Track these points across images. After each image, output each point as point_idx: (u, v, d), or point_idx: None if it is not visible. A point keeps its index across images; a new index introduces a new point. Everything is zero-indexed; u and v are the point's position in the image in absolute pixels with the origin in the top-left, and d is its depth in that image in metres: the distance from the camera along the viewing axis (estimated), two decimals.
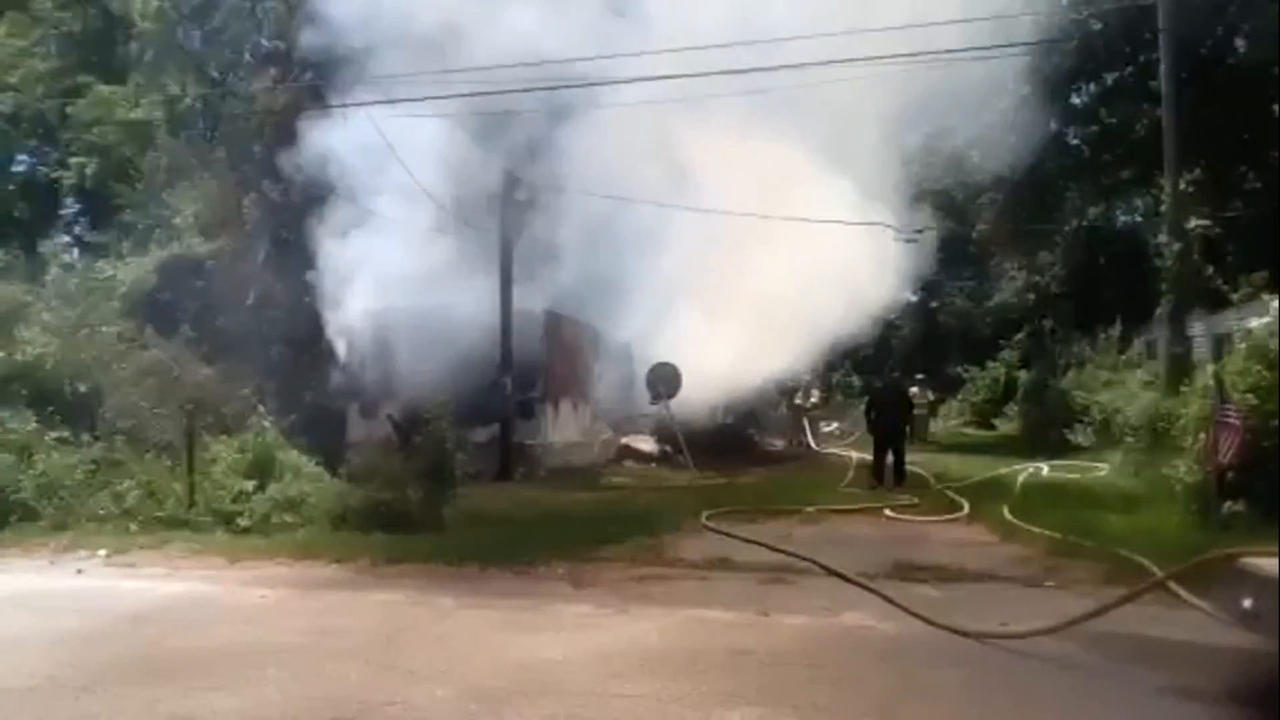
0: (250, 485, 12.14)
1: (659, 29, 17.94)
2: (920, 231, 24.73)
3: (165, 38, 26.79)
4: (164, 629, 7.54)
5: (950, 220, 30.92)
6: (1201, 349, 18.70)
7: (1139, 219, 30.58)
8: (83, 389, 14.28)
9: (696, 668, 6.23)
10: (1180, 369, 16.04)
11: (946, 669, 6.21)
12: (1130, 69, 24.77)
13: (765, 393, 26.45)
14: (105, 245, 21.15)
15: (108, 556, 10.48)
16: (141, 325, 16.02)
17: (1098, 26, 22.71)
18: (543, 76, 16.50)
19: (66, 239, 27.95)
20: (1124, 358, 23.59)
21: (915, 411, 20.09)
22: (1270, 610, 4.96)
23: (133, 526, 11.62)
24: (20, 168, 30.34)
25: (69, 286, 17.59)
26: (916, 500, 14.35)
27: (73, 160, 26.46)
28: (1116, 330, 24.69)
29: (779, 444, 26.73)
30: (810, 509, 13.40)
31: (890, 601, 7.76)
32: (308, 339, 17.91)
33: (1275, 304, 16.06)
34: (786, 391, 28.78)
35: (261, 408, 13.88)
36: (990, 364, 38.23)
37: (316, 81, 18.69)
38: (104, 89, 26.08)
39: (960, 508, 13.25)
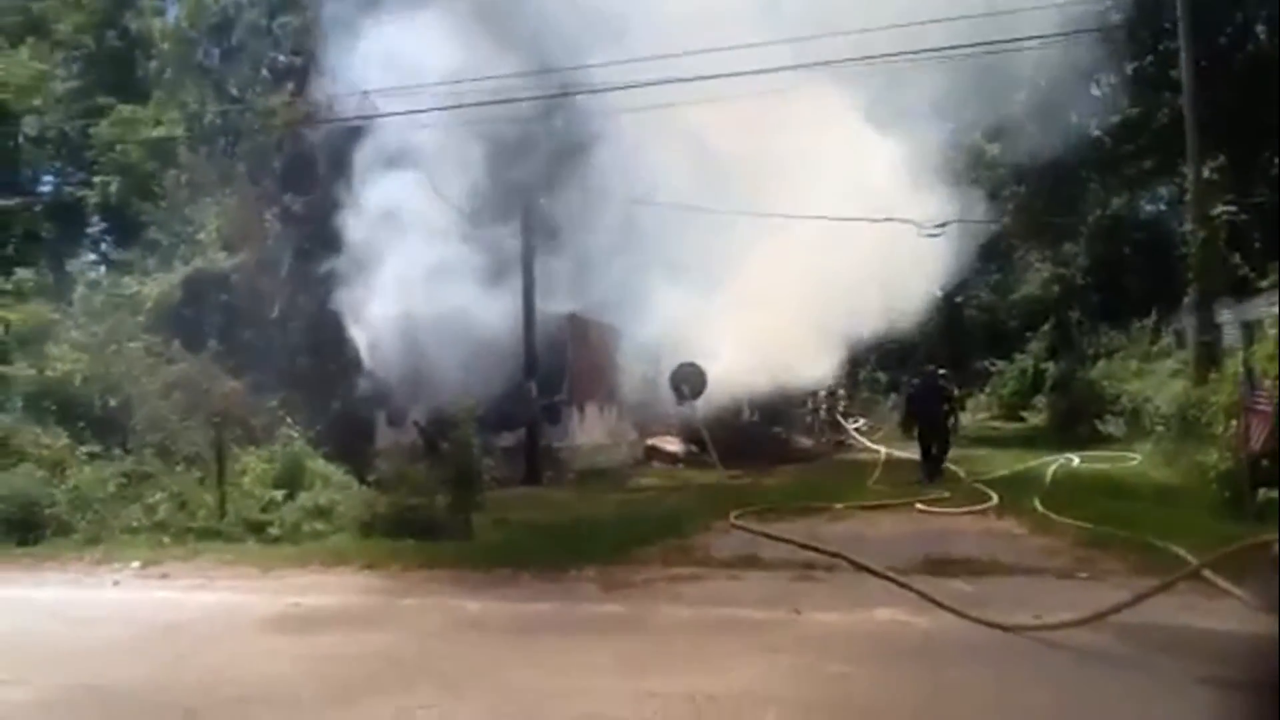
0: (280, 495, 12.21)
1: (681, 28, 17.85)
2: (943, 225, 24.49)
3: (184, 56, 27.13)
4: (196, 640, 7.60)
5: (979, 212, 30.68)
6: (1231, 336, 18.53)
7: (1163, 208, 30.38)
8: (112, 404, 14.41)
9: (728, 666, 6.21)
10: (1209, 357, 15.91)
11: (981, 664, 6.16)
12: (1150, 58, 24.56)
13: (792, 391, 26.28)
14: (130, 262, 21.27)
15: (141, 568, 10.55)
16: (168, 340, 16.11)
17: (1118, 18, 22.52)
18: (561, 83, 16.60)
19: (92, 257, 28.40)
20: (1155, 348, 23.38)
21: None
22: None
23: (165, 538, 11.68)
24: (46, 188, 30.64)
25: (96, 303, 17.72)
26: (947, 494, 14.23)
27: (96, 179, 26.67)
28: (1151, 320, 24.43)
29: (807, 442, 26.59)
30: (839, 505, 13.32)
31: (923, 596, 7.71)
32: (333, 348, 17.99)
33: None
34: (815, 389, 28.62)
35: (289, 418, 13.96)
36: (1018, 356, 37.94)
37: (334, 92, 18.79)
38: (125, 108, 26.30)
39: (991, 501, 13.15)
